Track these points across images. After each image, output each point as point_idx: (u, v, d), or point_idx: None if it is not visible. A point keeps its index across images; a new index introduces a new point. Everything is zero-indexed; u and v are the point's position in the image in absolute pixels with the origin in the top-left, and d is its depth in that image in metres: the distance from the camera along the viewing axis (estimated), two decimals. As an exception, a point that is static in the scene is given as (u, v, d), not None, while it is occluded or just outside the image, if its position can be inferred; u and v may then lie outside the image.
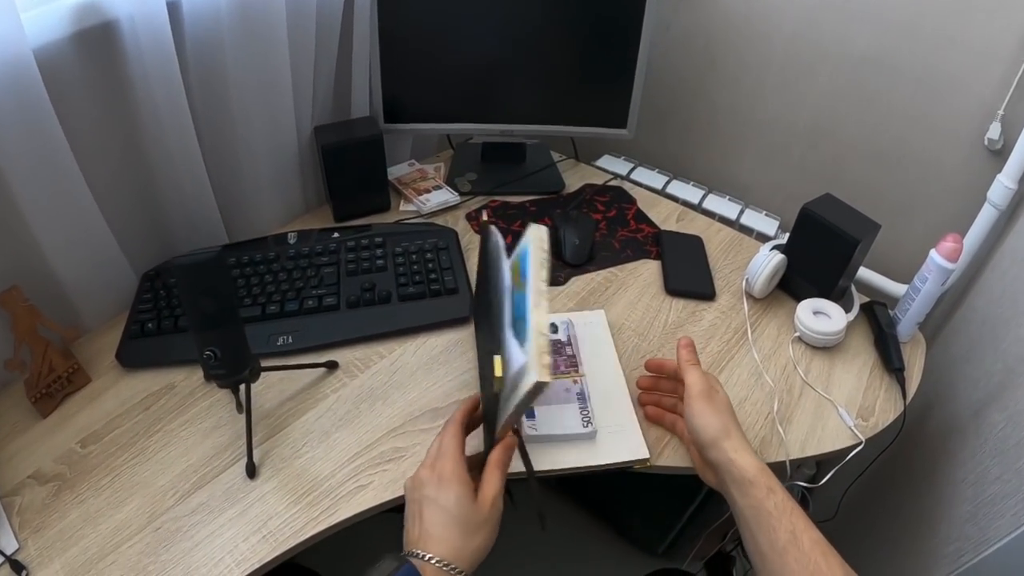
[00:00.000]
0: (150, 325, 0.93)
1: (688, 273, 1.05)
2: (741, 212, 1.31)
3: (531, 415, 0.81)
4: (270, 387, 0.88)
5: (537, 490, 0.72)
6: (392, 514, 0.75)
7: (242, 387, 0.78)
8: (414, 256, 1.02)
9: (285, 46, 0.98)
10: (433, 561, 0.57)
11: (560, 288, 1.05)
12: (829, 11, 1.12)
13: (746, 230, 1.26)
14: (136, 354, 0.92)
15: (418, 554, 0.58)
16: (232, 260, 1.02)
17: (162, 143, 0.93)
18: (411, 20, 1.10)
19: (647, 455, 0.79)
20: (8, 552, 0.70)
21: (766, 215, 1.31)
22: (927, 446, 1.00)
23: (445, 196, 1.20)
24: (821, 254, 0.94)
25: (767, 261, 0.96)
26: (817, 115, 1.22)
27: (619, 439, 0.81)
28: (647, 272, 1.08)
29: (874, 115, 1.14)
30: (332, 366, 0.91)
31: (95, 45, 0.83)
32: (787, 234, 1.27)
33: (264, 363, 0.81)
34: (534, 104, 1.20)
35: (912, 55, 1.06)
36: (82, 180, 0.85)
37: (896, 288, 1.17)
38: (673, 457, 0.81)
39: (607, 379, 0.87)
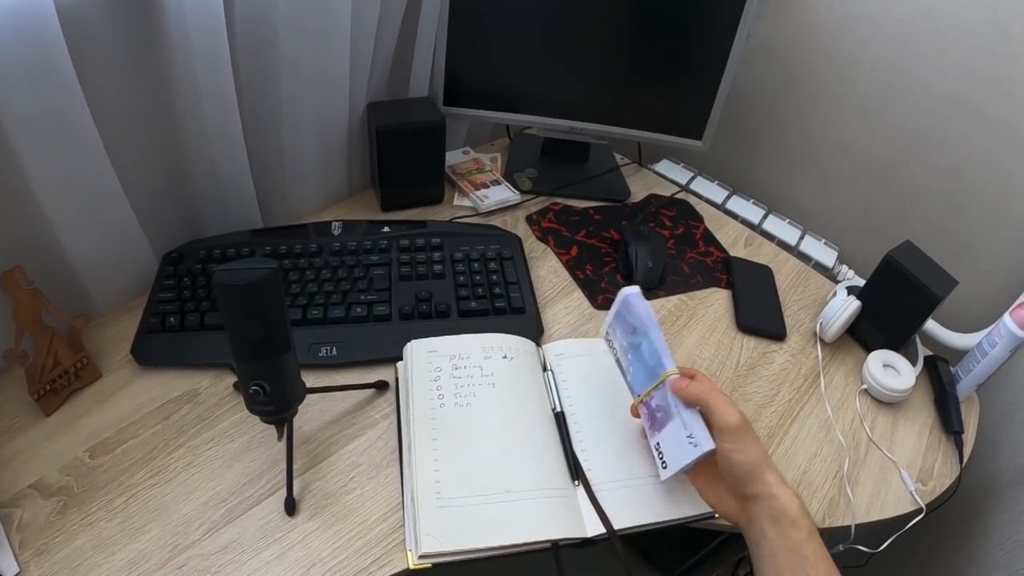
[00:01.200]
0: (172, 319, 0.82)
1: (759, 308, 0.98)
2: (801, 238, 1.25)
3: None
4: (310, 406, 0.78)
5: (623, 551, 0.66)
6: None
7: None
8: (476, 264, 0.92)
9: (348, 9, 0.86)
10: None
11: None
12: (922, 43, 1.05)
13: (804, 257, 1.21)
14: (154, 351, 0.81)
15: None
16: (267, 250, 0.91)
17: (198, 111, 0.81)
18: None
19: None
20: (8, 575, 0.61)
21: (825, 244, 1.26)
22: (964, 502, 0.95)
23: (505, 194, 1.10)
24: (898, 305, 0.89)
25: (844, 308, 0.91)
26: (891, 148, 1.16)
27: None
28: (718, 303, 1.00)
29: (950, 156, 1.09)
30: (382, 386, 0.80)
31: (130, -1, 0.71)
32: (844, 266, 1.23)
33: (302, 375, 0.70)
34: (609, 103, 1.10)
35: (1001, 100, 1.01)
36: (102, 149, 0.74)
37: (949, 337, 1.11)
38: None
39: None
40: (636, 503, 0.69)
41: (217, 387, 0.79)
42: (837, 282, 1.08)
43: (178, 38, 0.74)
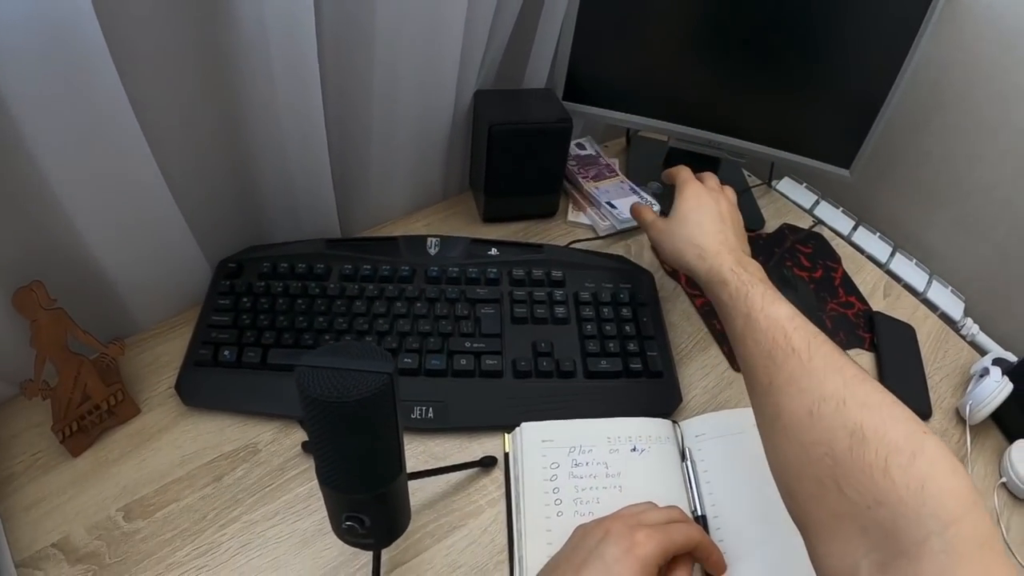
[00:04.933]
0: (226, 353, 0.67)
1: (905, 378, 0.85)
2: (928, 284, 1.12)
3: None
4: (399, 484, 0.61)
5: None
6: None
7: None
8: (606, 310, 0.75)
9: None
10: None
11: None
12: None
13: (930, 305, 1.07)
14: (204, 390, 0.66)
15: None
16: (347, 269, 0.75)
17: (269, 90, 0.65)
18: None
19: None
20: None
21: (952, 292, 1.13)
22: None
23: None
24: None
25: (998, 391, 0.79)
26: None
27: None
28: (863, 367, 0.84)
29: None
30: (489, 463, 0.64)
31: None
32: (969, 319, 1.10)
33: None
34: (753, 116, 0.94)
35: None
36: (139, 133, 0.58)
37: None
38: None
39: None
40: None
41: (281, 444, 0.65)
42: (962, 337, 0.98)
43: (249, 19, 0.59)
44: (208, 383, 0.66)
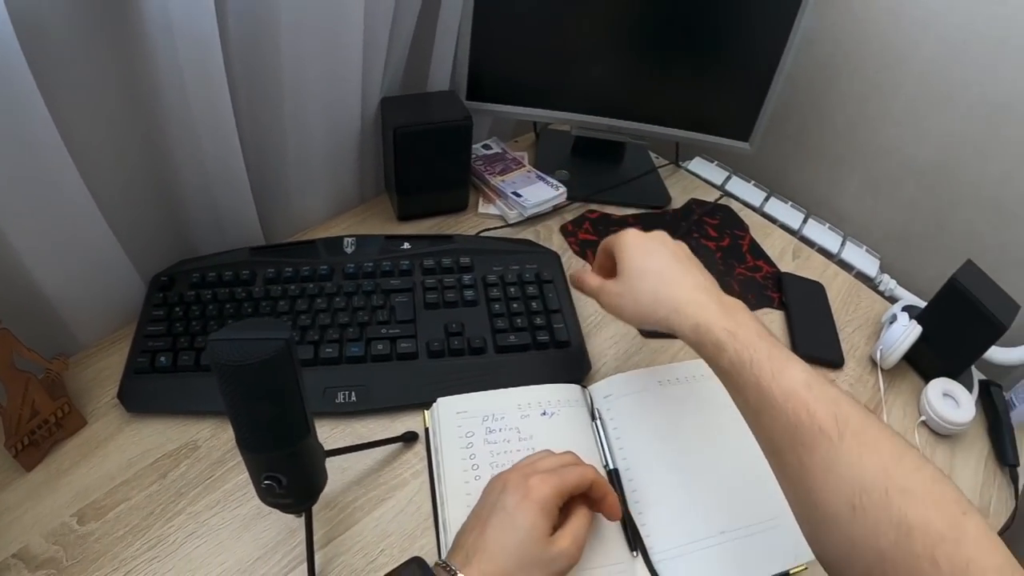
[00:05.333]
0: (162, 359, 0.71)
1: (815, 332, 0.90)
2: (842, 245, 1.18)
3: None
4: (329, 463, 0.66)
5: None
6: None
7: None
8: (512, 289, 0.81)
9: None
10: None
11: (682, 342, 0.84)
12: (976, 47, 0.97)
13: (845, 266, 1.13)
14: (144, 396, 0.70)
15: (451, 569, 0.50)
16: (270, 272, 0.80)
17: (183, 110, 0.69)
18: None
19: (809, 556, 0.59)
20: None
21: (867, 251, 1.19)
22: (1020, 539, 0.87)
23: (546, 192, 0.98)
24: (961, 332, 0.83)
25: (906, 335, 0.84)
26: (939, 154, 1.08)
27: (776, 538, 0.62)
28: (772, 325, 0.90)
29: (1001, 166, 1.02)
30: (411, 439, 0.70)
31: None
32: (885, 275, 1.17)
33: (316, 423, 0.59)
34: (648, 99, 1.00)
35: None
36: (72, 165, 0.63)
37: (1001, 355, 1.04)
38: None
39: (742, 457, 0.69)
40: (699, 570, 0.61)
41: (219, 438, 0.69)
42: (880, 294, 1.02)
43: (158, 35, 0.63)
44: (148, 389, 0.70)
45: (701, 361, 0.79)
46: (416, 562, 0.51)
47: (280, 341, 0.43)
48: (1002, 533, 0.73)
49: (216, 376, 0.44)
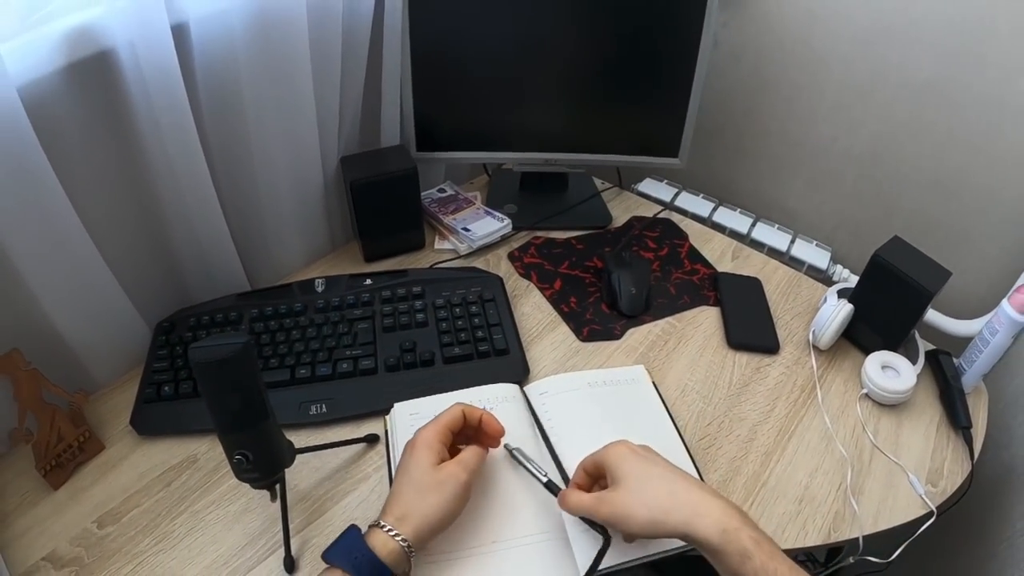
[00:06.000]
0: (166, 388, 0.84)
1: (750, 323, 0.97)
2: (792, 243, 1.24)
3: None
4: (304, 464, 0.79)
5: None
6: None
7: (277, 479, 0.70)
8: (457, 309, 0.93)
9: (308, 69, 0.88)
10: (381, 525, 0.60)
11: (617, 343, 0.96)
12: (889, 35, 1.05)
13: (796, 262, 1.20)
14: (152, 421, 0.83)
15: (377, 521, 0.61)
16: (254, 312, 0.93)
17: (172, 183, 0.84)
18: (445, 35, 1.01)
19: None
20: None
21: (817, 245, 1.25)
22: (981, 497, 0.93)
23: (492, 225, 1.10)
24: (891, 304, 0.87)
25: (836, 313, 0.89)
26: (873, 141, 1.15)
27: None
28: (707, 321, 1.00)
29: (933, 143, 1.09)
30: (372, 439, 0.82)
31: (91, 78, 0.74)
32: (838, 266, 1.22)
33: (294, 434, 0.73)
34: (579, 131, 1.11)
35: (976, 84, 1.01)
36: (81, 228, 0.77)
37: (950, 324, 1.10)
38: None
39: (662, 447, 0.78)
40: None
41: (214, 451, 0.81)
42: (833, 283, 1.06)
43: (143, 115, 0.77)
44: (155, 414, 0.83)
45: (626, 368, 0.89)
46: (353, 528, 0.62)
47: (239, 344, 0.57)
48: (961, 494, 0.79)
49: (195, 373, 0.57)
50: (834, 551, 1.00)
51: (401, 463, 0.66)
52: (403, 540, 0.59)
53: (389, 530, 0.59)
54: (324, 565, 0.60)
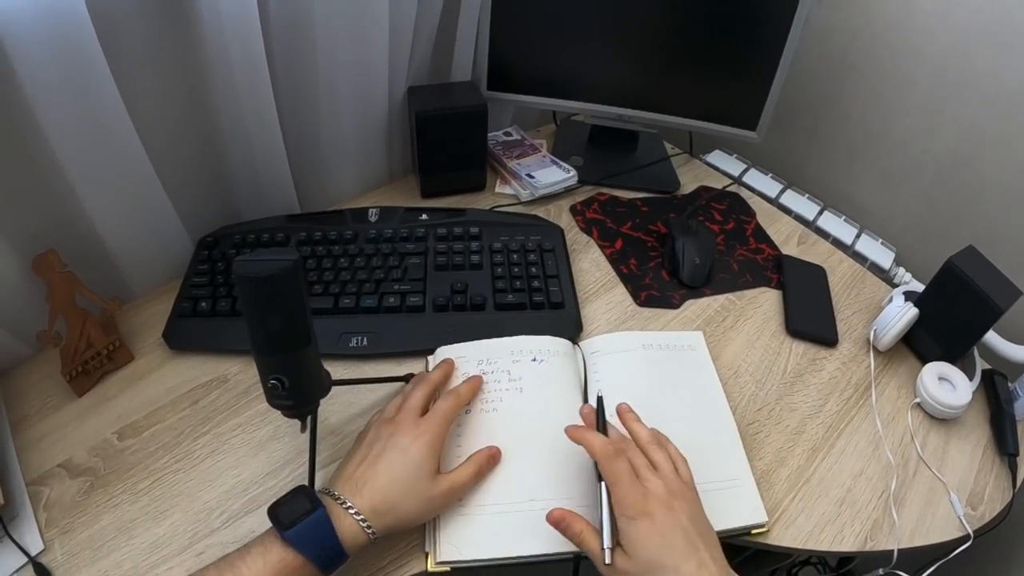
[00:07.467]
0: (203, 304, 0.81)
1: (811, 312, 0.93)
2: (857, 236, 1.17)
3: None
4: (336, 397, 0.75)
5: None
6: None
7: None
8: (515, 255, 0.88)
9: (386, -2, 0.83)
10: (352, 511, 0.55)
11: (674, 312, 0.90)
12: (991, 35, 0.98)
13: (859, 257, 1.13)
14: (185, 336, 0.80)
15: (339, 499, 0.56)
16: (302, 235, 0.89)
17: (232, 96, 0.80)
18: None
19: (764, 519, 0.67)
20: (32, 553, 0.62)
21: (882, 244, 1.18)
22: (1014, 529, 0.86)
23: (557, 175, 1.05)
24: (957, 315, 0.83)
25: (901, 315, 0.85)
26: (955, 145, 1.08)
27: (733, 498, 0.67)
28: (767, 303, 0.94)
29: (1019, 154, 1.01)
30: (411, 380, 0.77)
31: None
32: (900, 268, 1.15)
33: (331, 364, 0.68)
34: (660, 90, 1.05)
35: None
36: (136, 137, 0.74)
37: (1006, 348, 1.01)
38: (786, 534, 0.69)
39: (713, 421, 0.72)
40: None
41: (246, 373, 0.78)
42: (894, 286, 1.02)
43: (212, 30, 0.73)
44: (189, 329, 0.80)
45: (685, 333, 0.84)
46: (303, 491, 0.56)
47: (288, 261, 0.52)
48: (998, 522, 0.75)
49: (237, 288, 0.52)
50: (845, 559, 0.97)
51: (394, 446, 0.61)
52: (373, 533, 0.56)
53: (363, 520, 0.55)
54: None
